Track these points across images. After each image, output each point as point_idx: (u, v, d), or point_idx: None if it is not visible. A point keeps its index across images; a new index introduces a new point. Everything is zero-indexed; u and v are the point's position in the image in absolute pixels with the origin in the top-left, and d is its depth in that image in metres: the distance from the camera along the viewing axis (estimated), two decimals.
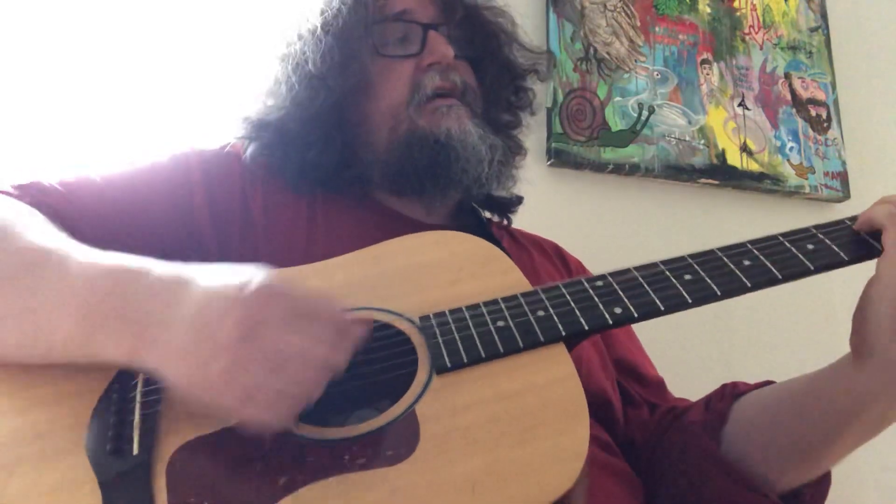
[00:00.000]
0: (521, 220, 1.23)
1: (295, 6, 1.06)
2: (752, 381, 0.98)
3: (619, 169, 1.74)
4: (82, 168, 0.93)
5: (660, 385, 1.09)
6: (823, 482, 0.88)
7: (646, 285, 0.75)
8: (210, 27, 1.48)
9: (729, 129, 1.87)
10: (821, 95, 2.00)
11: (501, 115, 1.14)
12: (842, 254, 0.76)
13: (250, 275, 0.64)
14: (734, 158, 1.85)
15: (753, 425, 0.89)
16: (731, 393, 0.94)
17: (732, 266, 0.76)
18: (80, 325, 0.66)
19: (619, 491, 0.88)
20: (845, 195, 1.92)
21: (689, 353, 1.64)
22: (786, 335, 1.77)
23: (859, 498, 1.68)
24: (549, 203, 1.63)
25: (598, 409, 0.94)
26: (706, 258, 0.77)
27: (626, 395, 1.05)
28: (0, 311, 0.69)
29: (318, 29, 1.01)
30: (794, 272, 0.75)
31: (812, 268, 0.75)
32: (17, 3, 1.38)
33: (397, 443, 0.63)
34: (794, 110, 1.96)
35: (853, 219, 0.79)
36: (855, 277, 0.79)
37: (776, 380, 0.94)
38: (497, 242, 1.03)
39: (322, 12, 1.01)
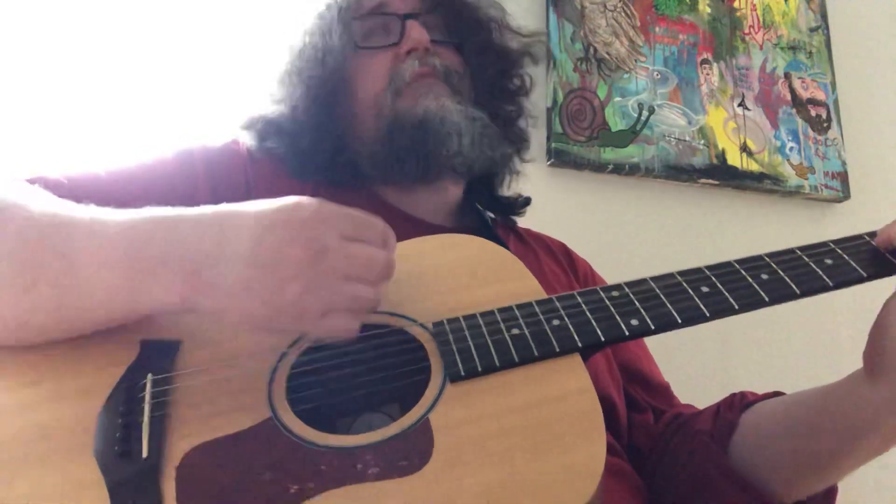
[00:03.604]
0: (522, 221, 1.22)
1: (290, 10, 1.09)
2: (754, 387, 0.97)
3: (619, 169, 1.74)
4: (87, 164, 0.93)
5: (666, 390, 1.09)
6: (830, 494, 0.87)
7: (663, 297, 0.74)
8: (211, 28, 1.48)
9: (729, 129, 1.87)
10: (821, 95, 2.00)
11: (499, 102, 1.13)
12: (861, 270, 0.74)
13: (295, 202, 0.67)
14: (734, 158, 1.85)
15: (763, 437, 0.88)
16: (740, 403, 0.93)
17: (750, 280, 0.74)
18: (123, 276, 0.66)
19: (622, 491, 0.87)
20: (845, 195, 1.93)
21: (691, 360, 1.63)
22: (788, 342, 1.78)
23: (859, 497, 1.69)
24: (549, 203, 1.62)
25: (603, 412, 0.93)
26: (724, 271, 0.76)
27: (632, 400, 1.04)
28: (34, 275, 0.67)
29: (305, 25, 1.04)
30: (813, 287, 0.74)
31: (831, 283, 0.74)
32: (17, 4, 1.36)
33: (411, 452, 0.62)
34: (794, 110, 1.96)
35: (872, 234, 0.78)
36: (859, 286, 0.78)
37: (779, 387, 0.93)
38: (503, 243, 1.02)
39: (307, 16, 1.05)
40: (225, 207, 0.70)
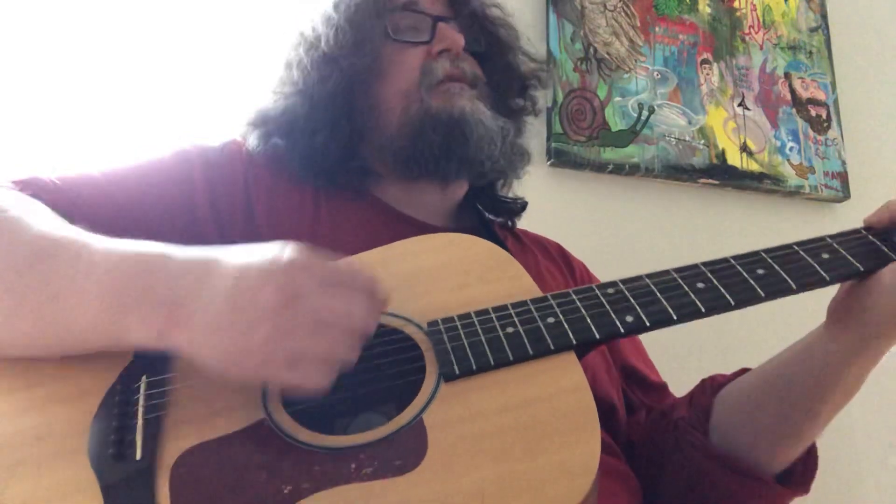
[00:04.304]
0: (522, 221, 1.23)
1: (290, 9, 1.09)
2: None
3: (619, 169, 1.74)
4: (82, 164, 0.92)
5: (663, 389, 1.10)
6: (811, 458, 0.90)
7: (658, 293, 0.73)
8: (217, 22, 1.48)
9: (729, 129, 1.87)
10: (821, 95, 1.99)
11: (509, 117, 1.13)
12: (857, 263, 0.74)
13: (280, 248, 0.65)
14: (734, 158, 1.84)
15: (738, 412, 0.90)
16: (710, 387, 0.96)
17: (746, 275, 0.74)
18: (104, 309, 0.66)
19: (619, 493, 0.88)
20: (845, 195, 1.92)
21: (692, 357, 1.63)
22: (791, 340, 1.77)
23: (859, 497, 1.68)
24: (549, 203, 1.62)
25: (602, 413, 0.94)
26: (719, 266, 0.76)
27: (627, 400, 1.05)
28: (17, 301, 0.68)
29: (332, 13, 1.03)
30: (809, 282, 0.74)
31: (827, 278, 0.74)
32: (16, 3, 1.36)
33: (405, 452, 0.62)
34: (794, 110, 1.96)
35: (868, 228, 0.78)
36: None
37: None
38: (501, 243, 1.02)
39: (335, 3, 1.04)
40: (214, 251, 0.68)
